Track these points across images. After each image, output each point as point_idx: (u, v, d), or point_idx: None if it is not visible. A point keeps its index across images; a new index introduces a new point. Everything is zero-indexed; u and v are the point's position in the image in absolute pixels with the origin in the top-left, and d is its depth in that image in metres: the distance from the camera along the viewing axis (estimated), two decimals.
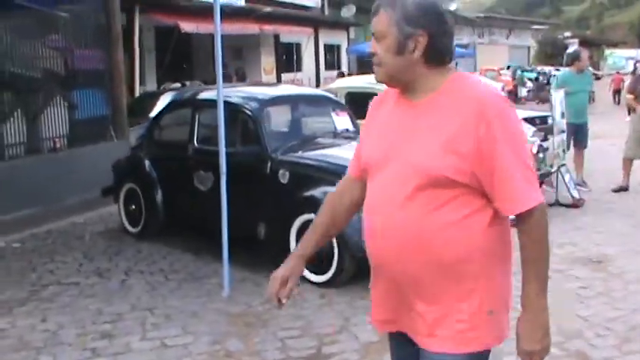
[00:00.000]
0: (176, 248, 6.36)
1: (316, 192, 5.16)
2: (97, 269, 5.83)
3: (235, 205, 5.93)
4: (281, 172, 5.55)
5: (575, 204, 7.75)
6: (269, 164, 5.61)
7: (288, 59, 24.50)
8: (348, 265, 5.00)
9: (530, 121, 11.05)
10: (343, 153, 5.69)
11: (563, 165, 8.06)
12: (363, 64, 25.08)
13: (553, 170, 7.87)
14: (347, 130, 6.35)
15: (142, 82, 16.63)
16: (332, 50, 27.89)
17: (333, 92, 8.78)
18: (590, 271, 5.49)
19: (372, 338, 4.16)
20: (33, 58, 8.10)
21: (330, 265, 5.07)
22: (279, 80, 22.39)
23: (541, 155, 7.94)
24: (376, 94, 2.21)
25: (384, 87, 2.06)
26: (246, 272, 5.59)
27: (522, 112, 11.94)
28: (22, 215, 7.56)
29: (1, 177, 7.56)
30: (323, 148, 5.80)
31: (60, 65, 8.52)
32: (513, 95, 24.97)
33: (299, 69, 25.06)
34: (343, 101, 8.53)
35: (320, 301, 4.87)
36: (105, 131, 9.18)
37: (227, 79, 20.71)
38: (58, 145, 8.28)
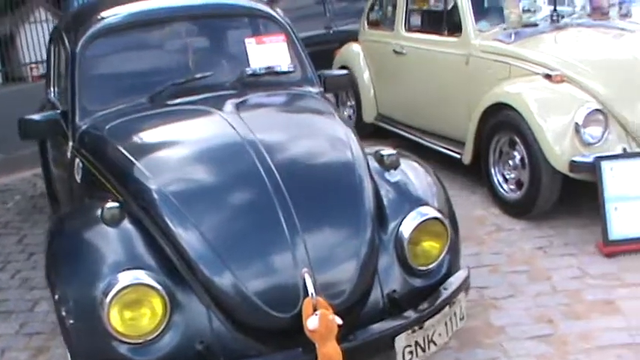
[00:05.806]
0: None
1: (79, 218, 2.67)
2: None
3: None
4: (77, 161, 3.17)
5: None
6: (70, 143, 3.26)
7: None
8: None
9: None
10: (211, 128, 3.08)
11: None
12: None
13: None
14: (271, 68, 3.55)
15: None
16: None
17: None
18: None
19: None
20: None
21: None
22: None
23: None
24: None
25: None
26: None
27: None
28: None
29: None
30: (176, 117, 3.18)
31: None
32: None
33: None
34: (404, 6, 5.57)
35: None
36: None
37: None
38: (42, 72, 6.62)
